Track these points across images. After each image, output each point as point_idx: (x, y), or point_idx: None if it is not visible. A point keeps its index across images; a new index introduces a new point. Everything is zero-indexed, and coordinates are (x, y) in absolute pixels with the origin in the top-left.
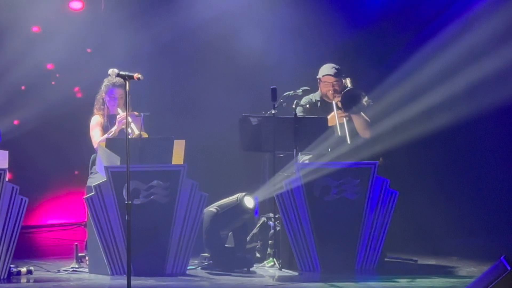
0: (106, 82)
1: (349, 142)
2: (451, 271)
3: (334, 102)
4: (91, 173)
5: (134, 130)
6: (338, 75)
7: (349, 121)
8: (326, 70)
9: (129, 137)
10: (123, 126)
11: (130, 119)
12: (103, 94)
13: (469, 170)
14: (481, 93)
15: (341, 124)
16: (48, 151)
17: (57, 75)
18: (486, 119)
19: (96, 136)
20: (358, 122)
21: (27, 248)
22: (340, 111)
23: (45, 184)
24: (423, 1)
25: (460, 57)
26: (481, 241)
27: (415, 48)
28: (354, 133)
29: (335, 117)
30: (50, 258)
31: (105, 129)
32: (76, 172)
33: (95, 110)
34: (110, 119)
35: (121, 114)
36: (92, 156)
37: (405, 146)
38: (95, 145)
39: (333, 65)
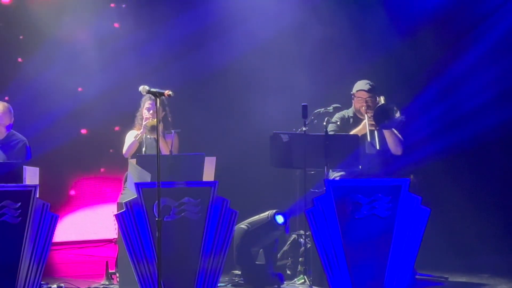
0: (144, 97)
1: (378, 148)
2: None
3: (366, 115)
4: (124, 189)
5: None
6: (372, 91)
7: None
8: (360, 85)
9: (138, 135)
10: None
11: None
12: (141, 109)
13: (501, 186)
14: None
15: (372, 131)
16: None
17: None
18: None
19: (126, 143)
20: (390, 139)
21: (57, 264)
22: (370, 120)
23: (76, 200)
24: (457, 15)
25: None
26: None
27: (448, 63)
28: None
29: (365, 126)
30: (80, 274)
31: (141, 143)
32: (108, 188)
33: (134, 126)
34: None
35: (145, 115)
36: (126, 173)
37: (437, 163)
38: (123, 151)
39: (367, 81)
